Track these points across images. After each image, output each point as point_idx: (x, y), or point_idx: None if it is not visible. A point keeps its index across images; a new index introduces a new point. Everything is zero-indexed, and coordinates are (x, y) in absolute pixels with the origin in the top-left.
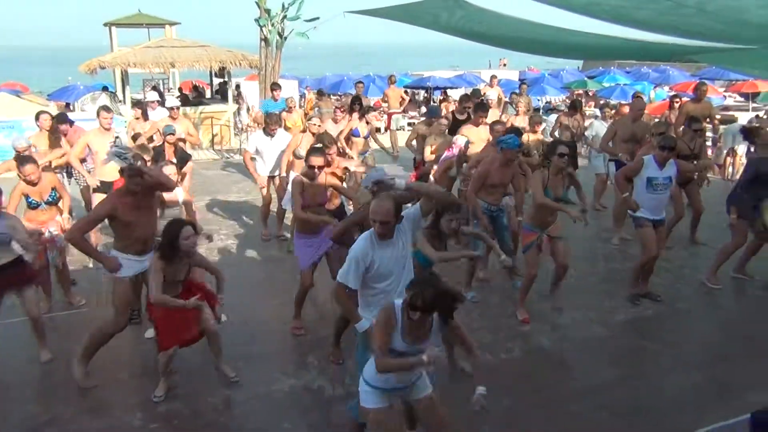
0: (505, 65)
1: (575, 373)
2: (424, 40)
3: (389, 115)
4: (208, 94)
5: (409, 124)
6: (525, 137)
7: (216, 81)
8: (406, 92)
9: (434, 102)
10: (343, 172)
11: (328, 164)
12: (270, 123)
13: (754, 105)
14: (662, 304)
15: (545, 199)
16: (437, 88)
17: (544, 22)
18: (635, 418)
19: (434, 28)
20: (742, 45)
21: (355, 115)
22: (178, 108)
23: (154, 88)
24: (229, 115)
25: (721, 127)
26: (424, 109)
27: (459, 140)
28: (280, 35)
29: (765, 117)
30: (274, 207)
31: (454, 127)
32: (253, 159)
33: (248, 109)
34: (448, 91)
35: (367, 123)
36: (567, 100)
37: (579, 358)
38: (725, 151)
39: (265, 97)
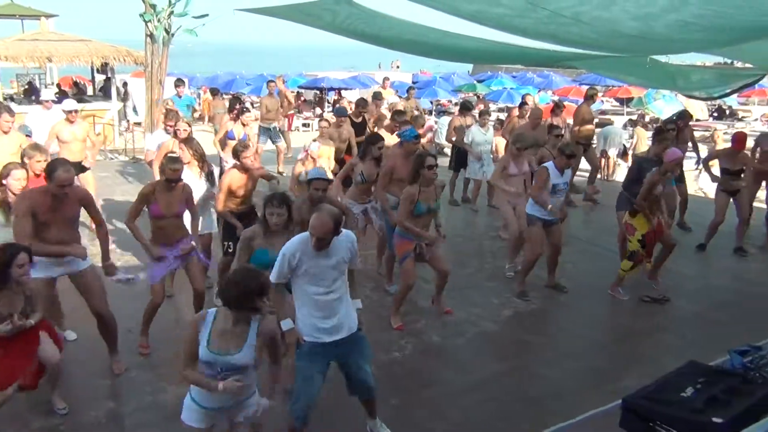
0: (398, 67)
1: (465, 368)
2: (319, 40)
3: (289, 117)
4: (90, 91)
5: (304, 125)
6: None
7: (99, 78)
8: (298, 93)
9: (329, 102)
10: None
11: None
12: (166, 119)
13: (628, 109)
14: (545, 299)
15: (407, 223)
16: (331, 88)
17: (433, 26)
18: (520, 408)
19: (326, 29)
20: (615, 53)
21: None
22: (76, 111)
23: (30, 84)
24: (113, 113)
25: (596, 129)
26: (318, 110)
27: (312, 146)
28: (167, 31)
29: (637, 120)
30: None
31: (353, 129)
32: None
33: (134, 108)
34: (343, 92)
35: (244, 125)
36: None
37: (469, 353)
38: (599, 154)
39: (152, 96)
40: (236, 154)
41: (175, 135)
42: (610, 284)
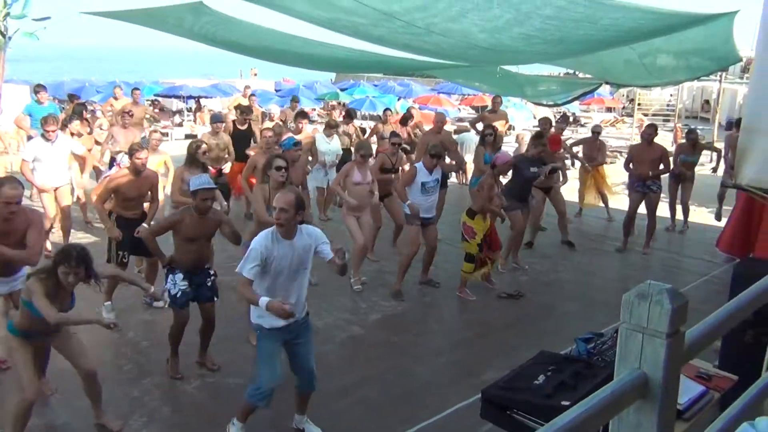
0: (255, 75)
1: (335, 373)
2: (174, 46)
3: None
4: None
5: (163, 133)
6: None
7: None
8: (155, 101)
9: (189, 111)
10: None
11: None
12: (46, 124)
13: None
14: (411, 301)
15: (267, 218)
16: (190, 96)
17: (291, 33)
18: (391, 407)
19: (179, 34)
20: (467, 63)
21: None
22: None
23: None
24: None
25: (454, 136)
26: (177, 119)
27: (123, 160)
28: (3, 35)
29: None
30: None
31: (237, 137)
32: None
33: None
34: (203, 101)
35: (72, 135)
36: (323, 111)
37: (338, 358)
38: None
39: None
40: (131, 153)
41: None
42: (457, 286)
